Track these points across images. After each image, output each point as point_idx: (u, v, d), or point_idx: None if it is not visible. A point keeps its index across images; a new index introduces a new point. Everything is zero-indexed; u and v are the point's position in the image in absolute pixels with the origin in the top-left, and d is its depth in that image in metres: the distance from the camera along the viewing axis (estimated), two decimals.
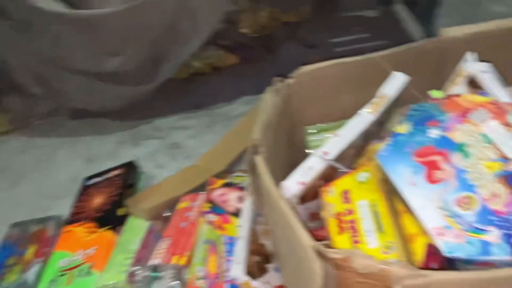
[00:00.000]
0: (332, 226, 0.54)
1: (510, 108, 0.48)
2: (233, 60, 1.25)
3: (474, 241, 0.43)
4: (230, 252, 0.66)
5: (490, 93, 0.52)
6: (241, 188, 0.77)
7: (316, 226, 0.63)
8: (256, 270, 0.63)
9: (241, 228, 0.66)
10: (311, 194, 0.61)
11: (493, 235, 0.43)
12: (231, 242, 0.68)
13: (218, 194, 0.76)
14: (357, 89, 0.73)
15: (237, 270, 0.61)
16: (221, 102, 1.14)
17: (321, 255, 0.44)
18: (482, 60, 0.59)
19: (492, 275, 0.38)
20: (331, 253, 0.43)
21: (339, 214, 0.54)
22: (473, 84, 0.58)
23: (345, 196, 0.56)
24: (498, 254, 0.42)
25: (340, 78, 0.72)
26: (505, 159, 0.46)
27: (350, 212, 0.53)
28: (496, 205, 0.44)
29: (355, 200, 0.54)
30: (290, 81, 0.70)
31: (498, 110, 0.48)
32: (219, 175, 0.84)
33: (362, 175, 0.56)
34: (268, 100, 0.66)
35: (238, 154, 0.93)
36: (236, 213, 0.72)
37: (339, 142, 0.60)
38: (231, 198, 0.75)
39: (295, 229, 0.46)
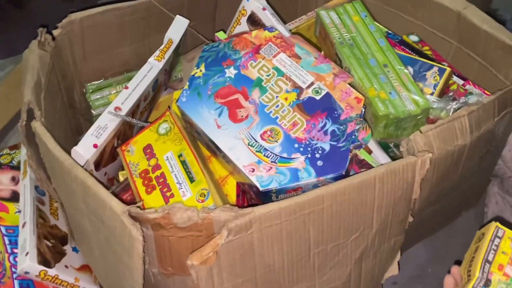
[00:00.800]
0: (139, 186, 0.49)
1: (295, 40, 0.50)
2: None
3: (284, 170, 0.44)
4: (13, 244, 0.55)
5: (273, 28, 0.54)
6: (13, 168, 0.64)
7: (115, 191, 0.57)
8: (51, 256, 0.54)
9: (22, 213, 0.55)
10: (107, 157, 0.54)
11: (299, 161, 0.45)
12: (12, 233, 0.56)
13: None
14: (138, 38, 0.67)
15: (27, 261, 0.51)
16: None
17: (137, 218, 0.39)
18: None
19: (304, 198, 0.41)
20: (149, 214, 0.38)
21: (144, 172, 0.50)
22: (253, 21, 0.59)
23: (148, 152, 0.51)
24: (306, 178, 0.44)
25: (117, 27, 0.64)
26: (297, 88, 0.48)
27: (157, 167, 0.49)
28: (297, 133, 0.46)
29: (159, 154, 0.50)
30: (56, 32, 0.59)
31: (285, 44, 0.50)
32: None
33: (162, 126, 0.52)
34: (34, 57, 0.55)
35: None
36: (13, 198, 0.60)
37: (131, 95, 0.54)
38: (2, 181, 0.62)
39: (102, 197, 0.40)
